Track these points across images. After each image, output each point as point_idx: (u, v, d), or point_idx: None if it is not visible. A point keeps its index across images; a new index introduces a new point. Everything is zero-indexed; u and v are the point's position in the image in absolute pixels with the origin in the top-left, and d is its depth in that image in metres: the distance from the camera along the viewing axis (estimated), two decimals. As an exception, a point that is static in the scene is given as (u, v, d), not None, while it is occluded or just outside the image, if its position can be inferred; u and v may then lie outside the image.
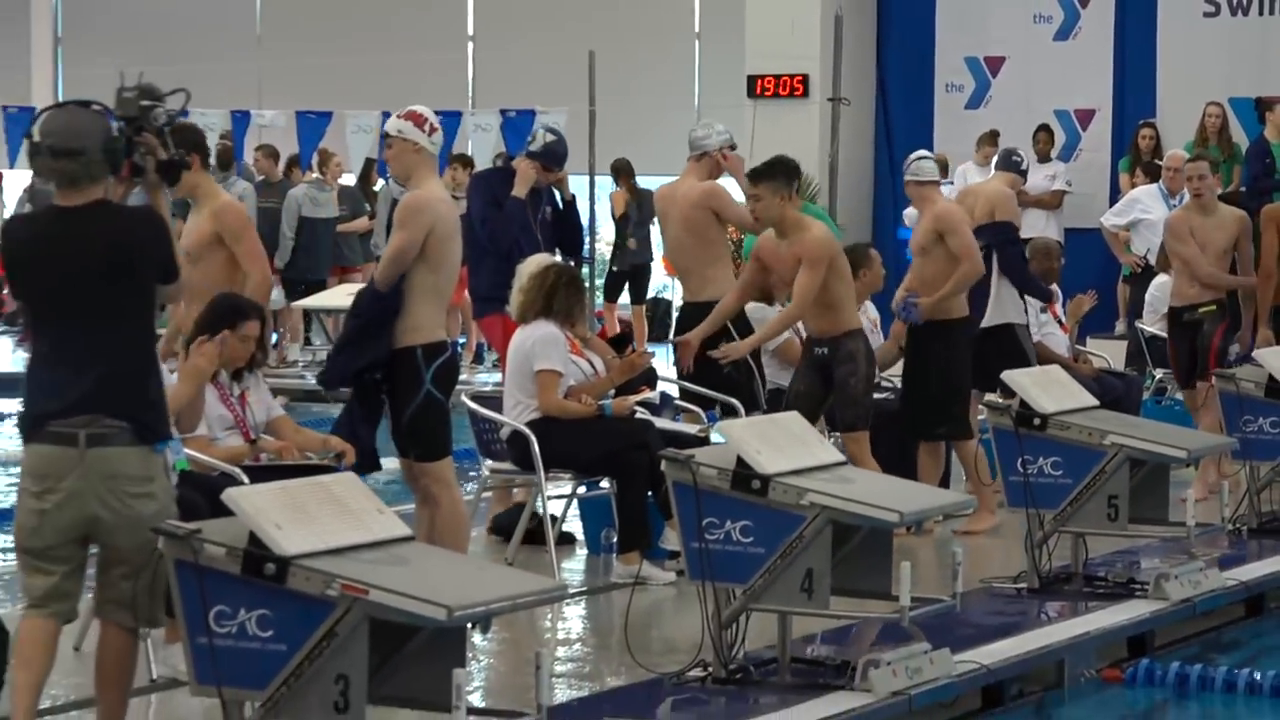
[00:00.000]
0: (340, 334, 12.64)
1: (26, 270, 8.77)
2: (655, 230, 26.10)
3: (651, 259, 28.20)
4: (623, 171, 27.72)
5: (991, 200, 16.89)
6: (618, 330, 24.90)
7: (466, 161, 27.45)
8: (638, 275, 28.71)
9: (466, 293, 18.33)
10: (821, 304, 14.09)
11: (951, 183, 25.03)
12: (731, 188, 15.84)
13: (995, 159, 20.12)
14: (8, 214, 30.05)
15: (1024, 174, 18.33)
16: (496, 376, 17.68)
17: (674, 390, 15.03)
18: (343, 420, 12.30)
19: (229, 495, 8.42)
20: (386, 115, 28.95)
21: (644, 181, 28.39)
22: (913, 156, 15.63)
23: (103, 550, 8.64)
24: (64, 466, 8.54)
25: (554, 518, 13.97)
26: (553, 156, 15.16)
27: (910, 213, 24.55)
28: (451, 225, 12.10)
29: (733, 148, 15.76)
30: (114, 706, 8.75)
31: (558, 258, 14.45)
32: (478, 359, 27.42)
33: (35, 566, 8.73)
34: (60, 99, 35.11)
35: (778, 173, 14.30)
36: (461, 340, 27.15)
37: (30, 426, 8.66)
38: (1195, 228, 16.86)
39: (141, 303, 8.71)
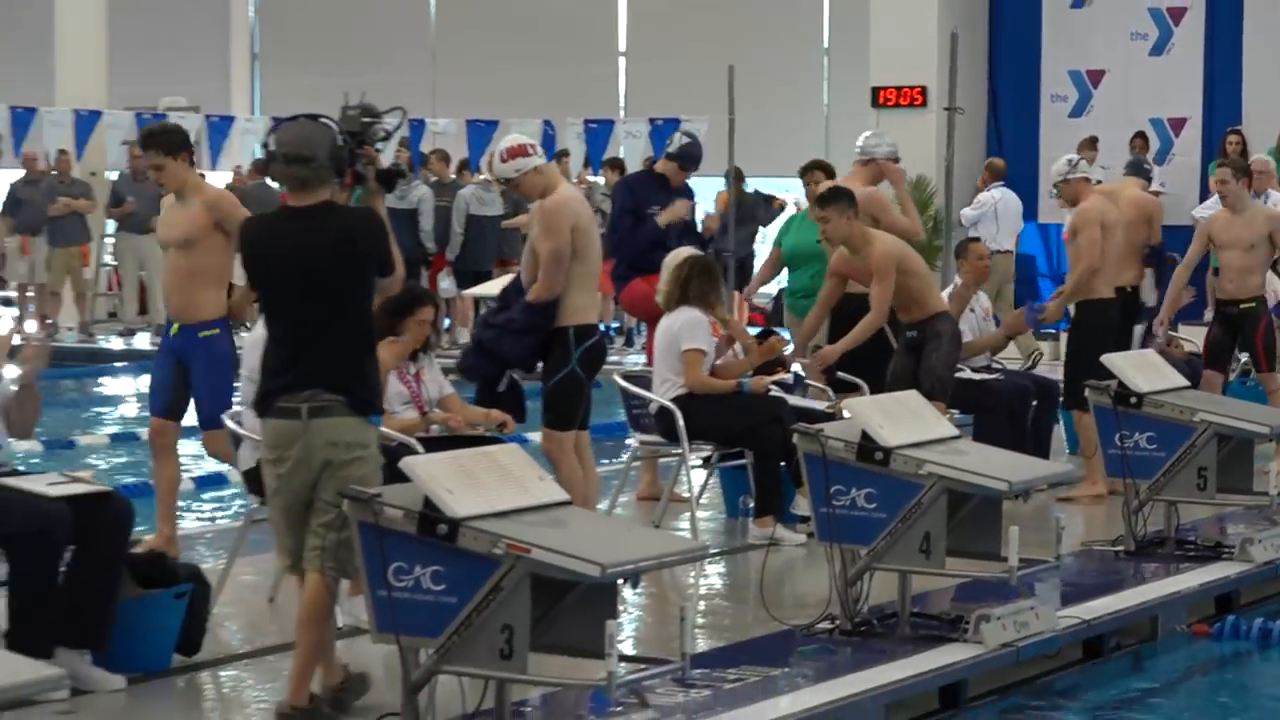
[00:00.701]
0: (509, 320, 12.57)
1: (262, 263, 9.01)
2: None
3: (753, 254, 28.07)
4: (735, 176, 27.78)
5: (1144, 207, 17.18)
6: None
7: (617, 164, 27.51)
8: (740, 267, 28.77)
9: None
10: (904, 300, 14.16)
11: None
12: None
13: (1125, 165, 20.10)
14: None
15: (1150, 179, 18.55)
16: (644, 357, 17.64)
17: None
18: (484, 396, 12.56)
19: (406, 463, 8.47)
20: (548, 123, 29.25)
21: (775, 184, 28.46)
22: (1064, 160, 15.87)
23: (313, 505, 8.73)
24: (291, 436, 8.75)
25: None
26: (688, 158, 15.23)
27: (968, 212, 24.68)
28: (588, 216, 12.49)
29: (896, 160, 15.86)
30: (313, 647, 8.82)
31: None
32: (628, 342, 27.48)
33: (286, 526, 8.93)
34: (257, 110, 35.46)
35: (841, 197, 14.26)
36: (615, 325, 27.20)
37: (262, 403, 8.90)
38: (1223, 227, 16.75)
39: (360, 292, 8.91)
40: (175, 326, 11.98)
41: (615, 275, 15.93)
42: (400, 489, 8.42)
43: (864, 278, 14.24)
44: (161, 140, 11.98)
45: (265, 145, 8.97)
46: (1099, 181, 17.20)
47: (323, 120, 8.92)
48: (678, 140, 15.36)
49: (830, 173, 15.68)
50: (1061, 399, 15.63)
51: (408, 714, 8.38)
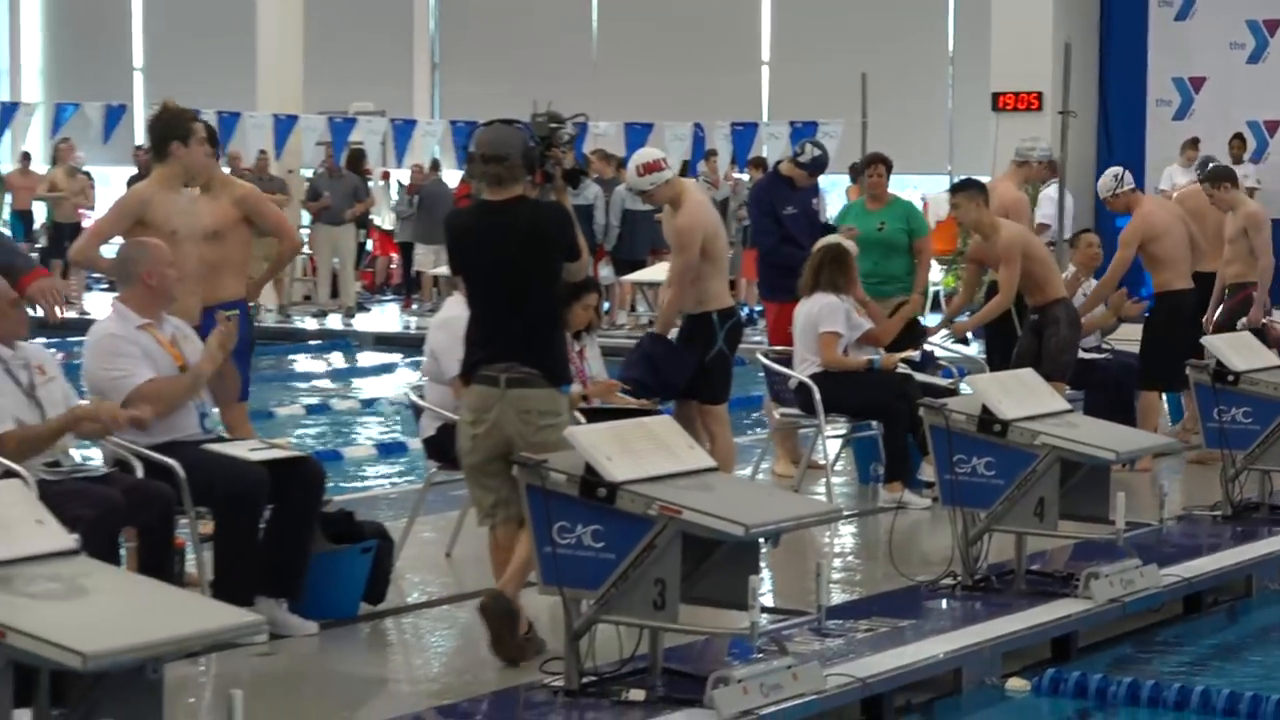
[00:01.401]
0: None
1: (465, 250, 9.22)
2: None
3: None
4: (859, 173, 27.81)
5: (1185, 201, 17.04)
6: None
7: (760, 163, 27.48)
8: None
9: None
10: (1028, 284, 14.21)
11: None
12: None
13: (1195, 164, 20.00)
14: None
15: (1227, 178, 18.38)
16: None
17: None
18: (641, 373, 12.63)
19: (570, 433, 8.50)
20: (698, 126, 29.27)
21: (901, 181, 28.43)
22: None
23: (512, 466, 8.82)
24: (489, 402, 8.93)
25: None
26: (816, 166, 15.22)
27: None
28: (715, 221, 12.69)
29: (1051, 163, 16.21)
30: (512, 585, 8.91)
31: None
32: (749, 321, 27.55)
33: (478, 482, 9.06)
34: (436, 114, 35.62)
35: (970, 186, 14.54)
36: (759, 308, 27.17)
37: (467, 371, 9.10)
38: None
39: (551, 275, 9.08)
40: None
41: (760, 264, 15.93)
42: (564, 456, 8.45)
43: (995, 263, 14.30)
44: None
45: (466, 147, 9.16)
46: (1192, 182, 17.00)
47: (516, 124, 9.13)
48: (809, 151, 15.33)
49: (890, 166, 15.65)
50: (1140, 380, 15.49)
51: (570, 659, 8.39)
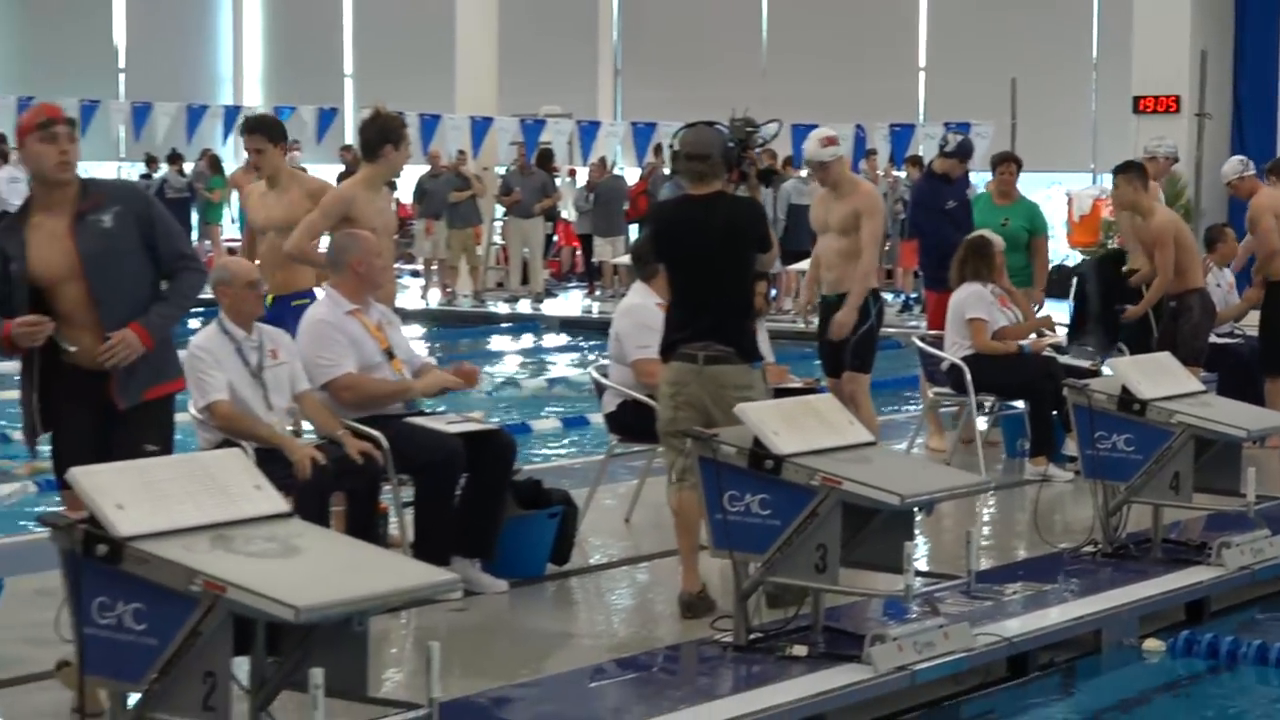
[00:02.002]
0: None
1: (669, 240, 9.35)
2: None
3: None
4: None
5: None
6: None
7: (916, 161, 27.37)
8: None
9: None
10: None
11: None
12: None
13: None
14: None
15: None
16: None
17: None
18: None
19: (740, 409, 8.51)
20: (859, 127, 29.14)
21: (1049, 178, 28.38)
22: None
23: None
24: (688, 377, 9.03)
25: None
26: (965, 152, 15.11)
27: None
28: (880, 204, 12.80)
29: (1175, 159, 16.31)
30: (689, 548, 9.01)
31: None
32: (905, 308, 27.43)
33: (673, 448, 9.06)
34: (618, 116, 35.65)
35: (1132, 168, 14.50)
36: (914, 295, 27.03)
37: (667, 349, 9.19)
38: None
39: (745, 263, 9.20)
40: (270, 298, 10.61)
41: (923, 256, 15.87)
42: (735, 430, 8.47)
43: (1149, 246, 14.27)
44: (266, 128, 11.00)
45: (670, 146, 9.27)
46: None
47: (716, 126, 9.25)
48: (952, 139, 15.25)
49: (1020, 165, 15.53)
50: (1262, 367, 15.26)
51: (739, 617, 8.40)
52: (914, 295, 27.20)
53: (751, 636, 8.40)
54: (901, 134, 30.06)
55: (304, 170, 11.60)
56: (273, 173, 10.82)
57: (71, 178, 7.49)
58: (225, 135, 33.32)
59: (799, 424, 8.48)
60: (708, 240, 9.07)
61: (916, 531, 8.78)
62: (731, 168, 9.26)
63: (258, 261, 10.51)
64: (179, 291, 7.75)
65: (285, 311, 10.39)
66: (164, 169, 32.12)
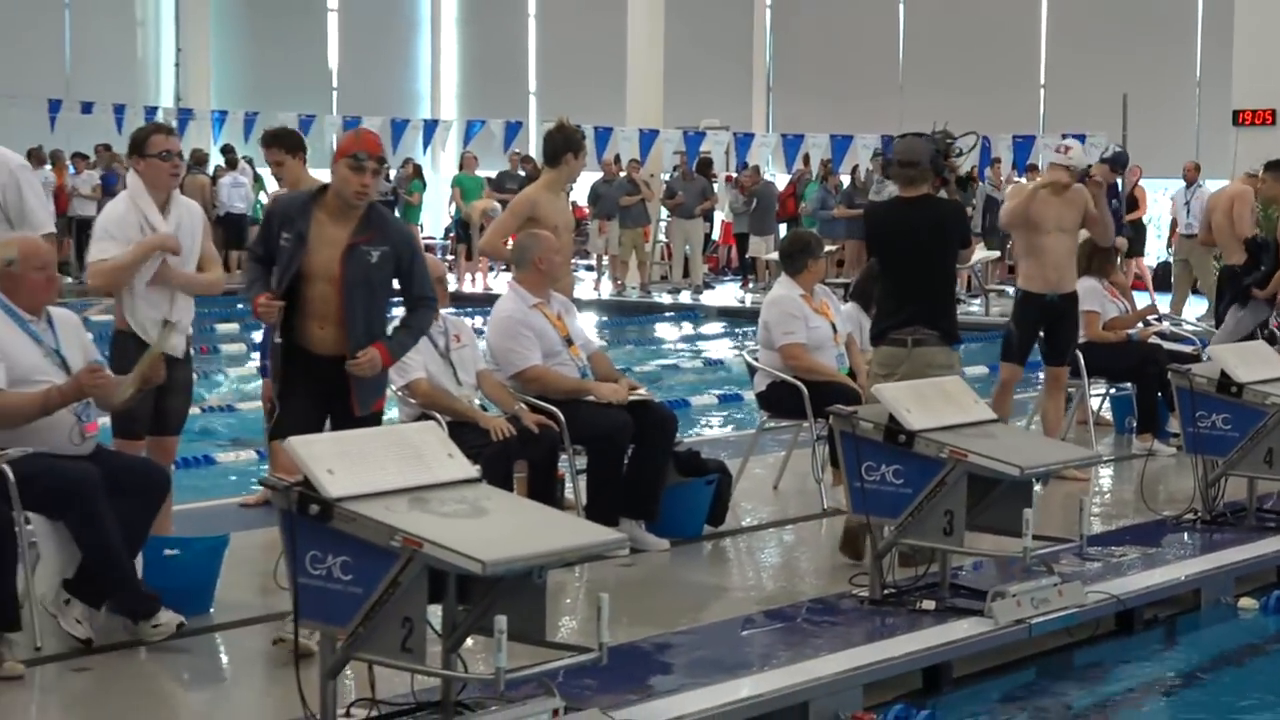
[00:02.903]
0: None
1: (881, 237, 9.64)
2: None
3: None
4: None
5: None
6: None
7: (1034, 169, 27.06)
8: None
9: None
10: None
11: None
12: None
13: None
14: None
15: None
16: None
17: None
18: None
19: (876, 389, 8.49)
20: (985, 138, 28.82)
21: (1153, 184, 28.07)
22: None
23: None
24: (898, 358, 9.27)
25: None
26: (1118, 162, 15.06)
27: None
28: None
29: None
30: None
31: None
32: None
33: None
34: (769, 128, 35.57)
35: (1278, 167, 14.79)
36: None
37: (879, 335, 9.48)
38: None
39: (948, 258, 9.42)
40: None
41: None
42: (871, 408, 8.44)
43: None
44: (284, 141, 10.28)
45: (877, 154, 9.56)
46: None
47: (925, 136, 9.43)
48: (1111, 149, 15.24)
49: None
50: None
51: (874, 573, 8.37)
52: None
53: (885, 591, 8.37)
54: (1023, 145, 29.77)
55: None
56: (295, 182, 10.06)
57: (364, 205, 7.60)
58: (424, 146, 33.58)
59: (930, 403, 8.44)
60: (915, 237, 9.26)
61: (1035, 499, 8.70)
62: (938, 174, 9.40)
63: None
64: (416, 324, 7.88)
65: None
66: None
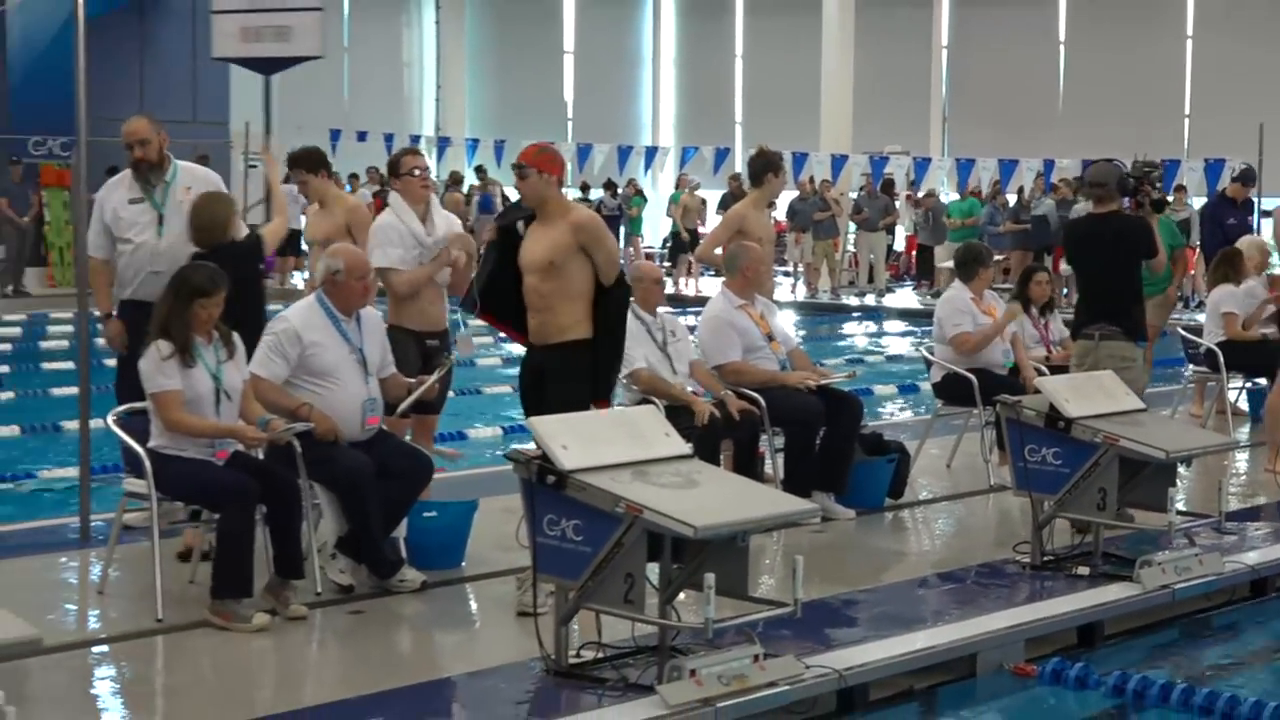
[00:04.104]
0: None
1: (1075, 246, 9.69)
2: None
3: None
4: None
5: None
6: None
7: (1180, 189, 26.43)
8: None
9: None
10: None
11: None
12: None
13: None
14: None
15: None
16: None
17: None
18: None
19: (1039, 381, 8.39)
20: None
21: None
22: None
23: None
24: (1086, 351, 9.34)
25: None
26: (1246, 178, 14.71)
27: None
28: None
29: None
30: None
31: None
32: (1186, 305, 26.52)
33: None
34: (945, 153, 35.19)
35: None
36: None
37: (1074, 331, 9.51)
38: None
39: (1132, 265, 9.34)
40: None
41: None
42: (1034, 398, 8.35)
43: None
44: (303, 162, 9.38)
45: (1039, 175, 9.58)
46: None
47: (1115, 162, 9.53)
48: (1238, 166, 14.91)
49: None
50: None
51: (1035, 543, 8.25)
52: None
53: (1045, 558, 8.25)
54: (1169, 168, 29.10)
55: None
56: (320, 198, 9.42)
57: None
58: (645, 168, 33.63)
59: (1086, 393, 8.31)
60: (1102, 247, 9.26)
61: (1177, 479, 8.52)
62: (1125, 194, 9.44)
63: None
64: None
65: None
66: (600, 193, 32.60)
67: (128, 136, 8.51)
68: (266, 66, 20.49)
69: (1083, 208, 26.25)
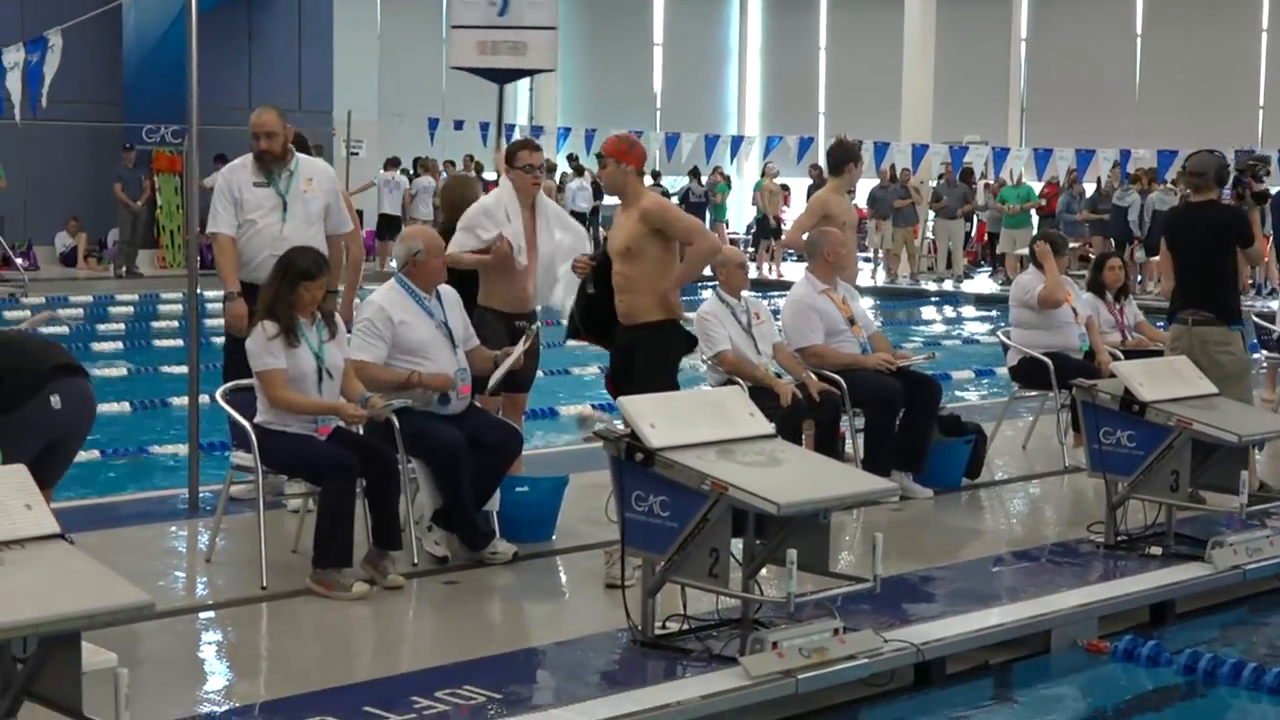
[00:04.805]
0: None
1: (1172, 234, 9.49)
2: None
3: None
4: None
5: None
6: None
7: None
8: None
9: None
10: None
11: None
12: None
13: None
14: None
15: None
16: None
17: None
18: None
19: (1115, 366, 8.30)
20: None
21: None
22: None
23: None
24: (1179, 335, 9.21)
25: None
26: None
27: None
28: None
29: None
30: None
31: None
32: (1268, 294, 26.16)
33: None
34: (1023, 143, 34.88)
35: None
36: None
37: (1169, 315, 9.39)
38: None
39: (1226, 252, 9.19)
40: None
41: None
42: (1109, 382, 8.26)
43: None
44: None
45: (1115, 164, 9.56)
46: None
47: (1216, 153, 9.41)
48: None
49: None
50: None
51: (1109, 525, 8.18)
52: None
53: (1118, 538, 8.17)
54: (1241, 155, 28.69)
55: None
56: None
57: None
58: (731, 157, 33.55)
59: (1160, 378, 8.21)
60: (1197, 235, 9.17)
61: (1247, 464, 8.41)
62: (1222, 184, 9.33)
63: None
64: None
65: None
66: (685, 180, 32.57)
67: (256, 128, 8.50)
68: (499, 76, 22.03)
69: (1157, 198, 26.06)
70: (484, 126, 32.64)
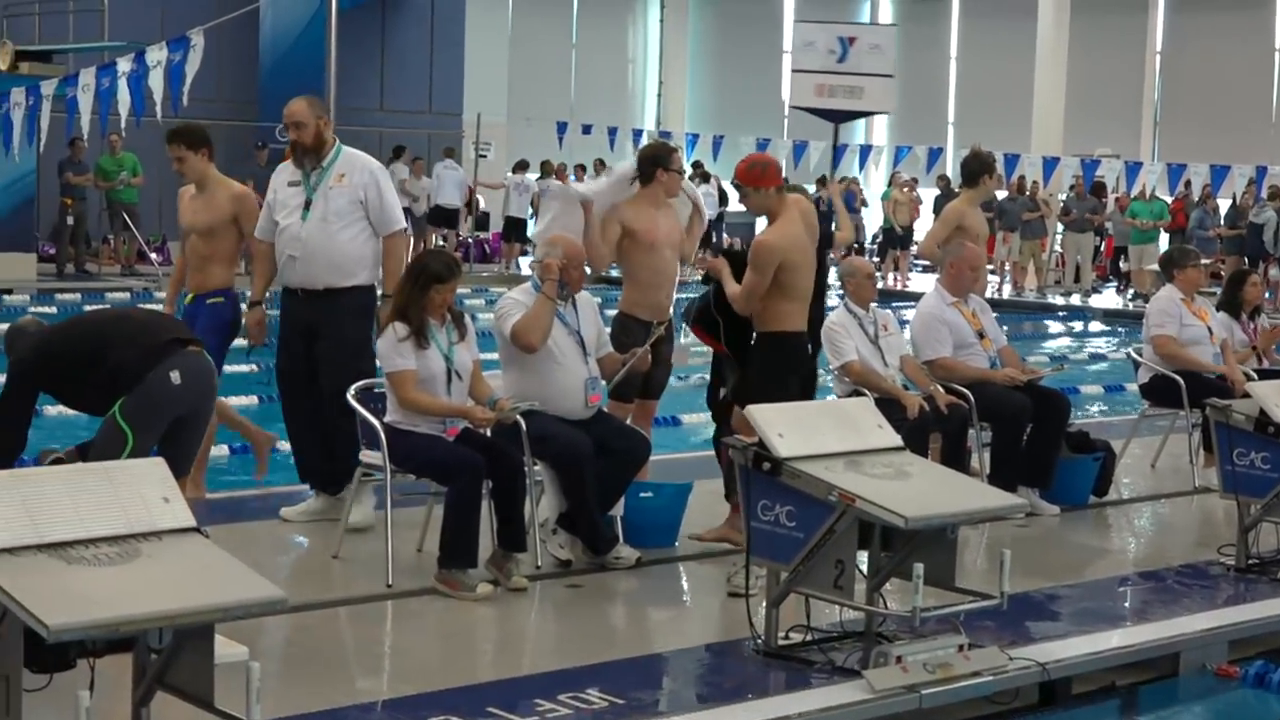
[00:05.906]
0: None
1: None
2: None
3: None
4: None
5: None
6: None
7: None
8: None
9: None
10: None
11: None
12: None
13: None
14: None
15: None
16: None
17: None
18: None
19: (1249, 386, 8.13)
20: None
21: None
22: None
23: None
24: None
25: None
26: None
27: None
28: None
29: None
30: None
31: None
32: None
33: None
34: (1155, 158, 34.39)
35: None
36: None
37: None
38: None
39: None
40: (190, 296, 8.84)
41: None
42: (1244, 402, 8.13)
43: None
44: (184, 137, 8.69)
45: (1251, 180, 9.35)
46: None
47: None
48: None
49: None
50: None
51: (1241, 547, 8.03)
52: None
53: (1250, 561, 8.02)
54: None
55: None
56: (198, 179, 8.73)
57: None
58: (860, 166, 33.40)
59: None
60: None
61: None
62: None
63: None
64: None
65: (201, 309, 8.71)
66: (812, 188, 32.51)
67: (286, 117, 8.32)
68: (834, 116, 24.12)
69: (1270, 214, 25.53)
70: (612, 131, 32.75)
